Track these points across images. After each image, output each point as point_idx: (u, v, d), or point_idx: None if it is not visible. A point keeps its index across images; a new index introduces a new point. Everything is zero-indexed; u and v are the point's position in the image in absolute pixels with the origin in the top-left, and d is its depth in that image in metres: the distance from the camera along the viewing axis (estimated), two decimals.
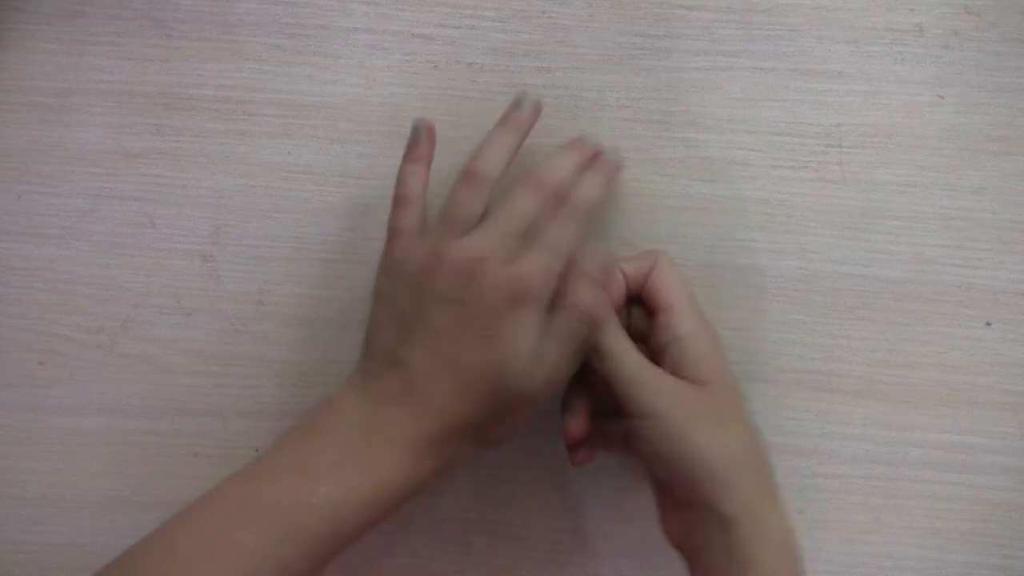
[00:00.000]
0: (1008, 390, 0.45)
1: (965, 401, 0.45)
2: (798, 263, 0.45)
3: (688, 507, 0.37)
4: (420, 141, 0.41)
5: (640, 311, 0.42)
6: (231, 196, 0.46)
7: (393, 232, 0.40)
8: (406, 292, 0.38)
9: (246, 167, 0.46)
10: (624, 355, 0.38)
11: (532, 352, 0.37)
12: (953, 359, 0.45)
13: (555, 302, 0.38)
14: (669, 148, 0.46)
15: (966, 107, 0.45)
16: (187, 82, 0.46)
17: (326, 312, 0.46)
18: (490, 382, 0.37)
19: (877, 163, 0.45)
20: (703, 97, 0.46)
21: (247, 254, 0.46)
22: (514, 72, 0.46)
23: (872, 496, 0.45)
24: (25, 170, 0.46)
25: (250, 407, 0.45)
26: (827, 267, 0.45)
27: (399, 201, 0.40)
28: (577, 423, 0.40)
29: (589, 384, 0.40)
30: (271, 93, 0.46)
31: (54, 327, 0.46)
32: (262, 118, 0.46)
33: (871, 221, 0.45)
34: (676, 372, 0.38)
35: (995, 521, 0.45)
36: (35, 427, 0.46)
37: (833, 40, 0.46)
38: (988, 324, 0.45)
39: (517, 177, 0.40)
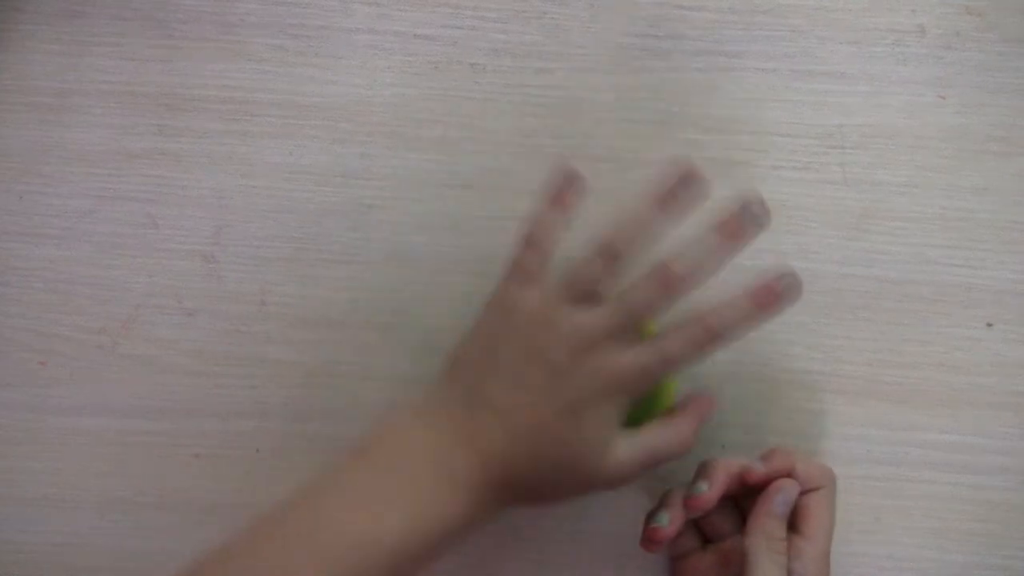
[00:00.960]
0: (1009, 390, 0.45)
1: (966, 401, 0.45)
2: (799, 264, 0.45)
3: None
4: (569, 188, 0.40)
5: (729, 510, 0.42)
6: (233, 196, 0.46)
7: (514, 271, 0.39)
8: (509, 338, 0.37)
9: (248, 167, 0.46)
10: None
11: (607, 443, 0.37)
12: (954, 359, 0.45)
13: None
14: (670, 149, 0.46)
15: (967, 108, 0.45)
16: (188, 83, 0.46)
17: (328, 313, 0.46)
18: (561, 456, 0.36)
19: (878, 164, 0.45)
20: (704, 98, 0.46)
21: (249, 254, 0.46)
22: (515, 73, 0.46)
23: (872, 496, 0.45)
24: (26, 170, 0.46)
25: (251, 408, 0.45)
26: (828, 267, 0.45)
27: (530, 241, 0.39)
28: (666, 531, 0.40)
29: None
30: (273, 93, 0.46)
31: (55, 327, 0.46)
32: (264, 119, 0.46)
33: (872, 222, 0.45)
34: None
35: (995, 521, 0.45)
36: (35, 427, 0.46)
37: (835, 41, 0.46)
38: (989, 325, 0.45)
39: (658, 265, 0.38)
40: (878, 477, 0.45)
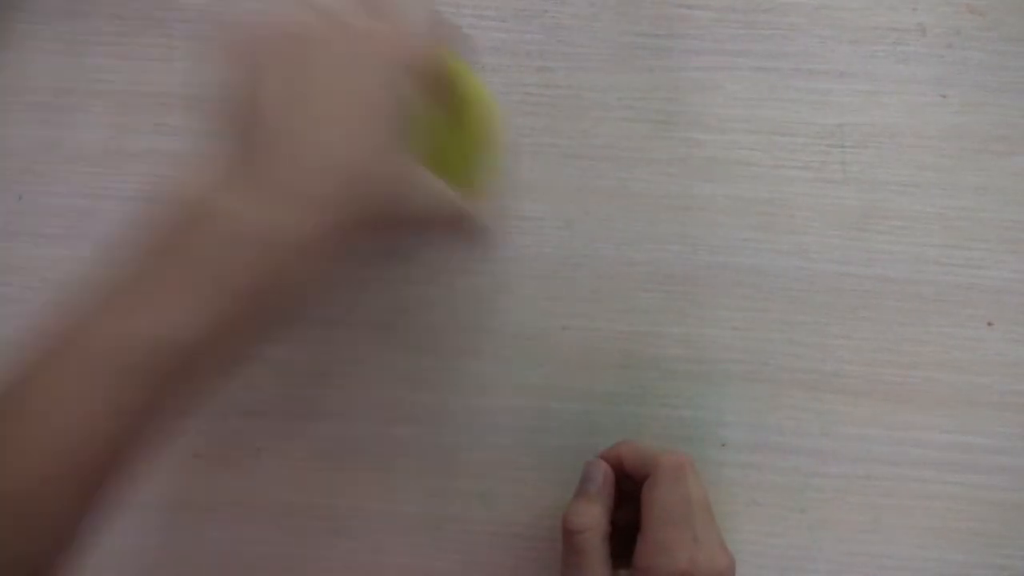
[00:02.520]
0: (1009, 390, 0.45)
1: (966, 401, 0.45)
2: (800, 263, 0.45)
3: None
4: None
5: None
6: None
7: None
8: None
9: None
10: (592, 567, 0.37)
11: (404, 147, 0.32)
12: (954, 359, 0.45)
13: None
14: (671, 148, 0.46)
15: (968, 107, 0.45)
16: (188, 82, 0.46)
17: (327, 311, 0.46)
18: (368, 151, 0.31)
19: (879, 163, 0.45)
20: (705, 97, 0.46)
21: None
22: (516, 71, 0.46)
23: (872, 496, 0.45)
24: (26, 170, 0.46)
25: (251, 407, 0.45)
26: (829, 267, 0.45)
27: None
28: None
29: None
30: None
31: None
32: None
33: (873, 221, 0.45)
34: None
35: (996, 521, 0.45)
36: None
37: (835, 40, 0.45)
38: (990, 324, 0.45)
39: None
40: (878, 477, 0.45)
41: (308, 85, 0.31)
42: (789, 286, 0.45)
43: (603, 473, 0.40)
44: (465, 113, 0.37)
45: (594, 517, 0.38)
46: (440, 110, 0.35)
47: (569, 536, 0.38)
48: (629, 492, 0.40)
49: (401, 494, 0.45)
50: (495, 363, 0.45)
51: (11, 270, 0.46)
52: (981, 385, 0.45)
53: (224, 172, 0.31)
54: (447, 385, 0.45)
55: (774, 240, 0.45)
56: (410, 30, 0.33)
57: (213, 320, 0.29)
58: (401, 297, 0.46)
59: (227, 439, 0.46)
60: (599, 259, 0.45)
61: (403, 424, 0.45)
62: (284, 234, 0.30)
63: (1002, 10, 0.45)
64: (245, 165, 0.31)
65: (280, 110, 0.31)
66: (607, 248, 0.45)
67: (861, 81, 0.45)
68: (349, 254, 0.33)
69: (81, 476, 0.29)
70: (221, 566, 0.45)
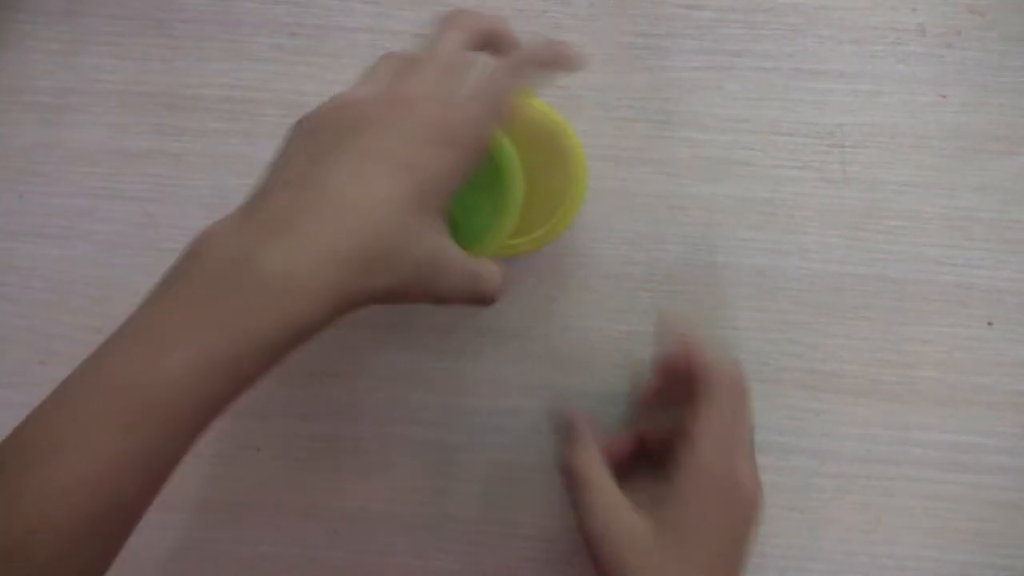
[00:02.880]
0: (1009, 390, 0.45)
1: (966, 401, 0.45)
2: (800, 263, 0.45)
3: None
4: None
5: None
6: (232, 196, 0.45)
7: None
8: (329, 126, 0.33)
9: (248, 167, 0.46)
10: (602, 490, 0.37)
11: (438, 231, 0.33)
12: (954, 359, 0.45)
13: None
14: (671, 148, 0.46)
15: (968, 107, 0.45)
16: (188, 82, 0.46)
17: None
18: (395, 207, 0.31)
19: (879, 163, 0.45)
20: (705, 97, 0.46)
21: None
22: None
23: (873, 496, 0.45)
24: (26, 170, 0.46)
25: (252, 407, 0.45)
26: (829, 267, 0.45)
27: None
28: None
29: None
30: (273, 93, 0.46)
31: (54, 327, 0.46)
32: (264, 118, 0.46)
33: (873, 221, 0.45)
34: (664, 510, 0.36)
35: (995, 521, 0.45)
36: None
37: (835, 40, 0.45)
38: (990, 324, 0.45)
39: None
40: (878, 477, 0.45)
41: (351, 151, 0.32)
42: (789, 286, 0.45)
43: (583, 419, 0.40)
44: (502, 185, 0.38)
45: (584, 449, 0.38)
46: (486, 178, 0.38)
47: (566, 477, 0.38)
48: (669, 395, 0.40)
49: (401, 494, 0.45)
50: (496, 364, 0.45)
51: (11, 270, 0.46)
52: (981, 385, 0.45)
53: (253, 220, 0.31)
54: (448, 385, 0.45)
55: (774, 240, 0.45)
56: (471, 109, 0.34)
57: (229, 366, 0.29)
58: None
59: (228, 439, 0.46)
60: (599, 259, 0.45)
61: (404, 424, 0.45)
62: (301, 283, 0.29)
63: (1002, 10, 0.45)
64: (277, 215, 0.31)
65: (323, 168, 0.31)
66: (607, 248, 0.45)
67: (861, 81, 0.45)
68: None
69: (92, 524, 0.28)
70: (221, 566, 0.45)
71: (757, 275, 0.45)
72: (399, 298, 0.32)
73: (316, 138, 0.33)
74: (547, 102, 0.44)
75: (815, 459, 0.45)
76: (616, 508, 0.36)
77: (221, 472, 0.45)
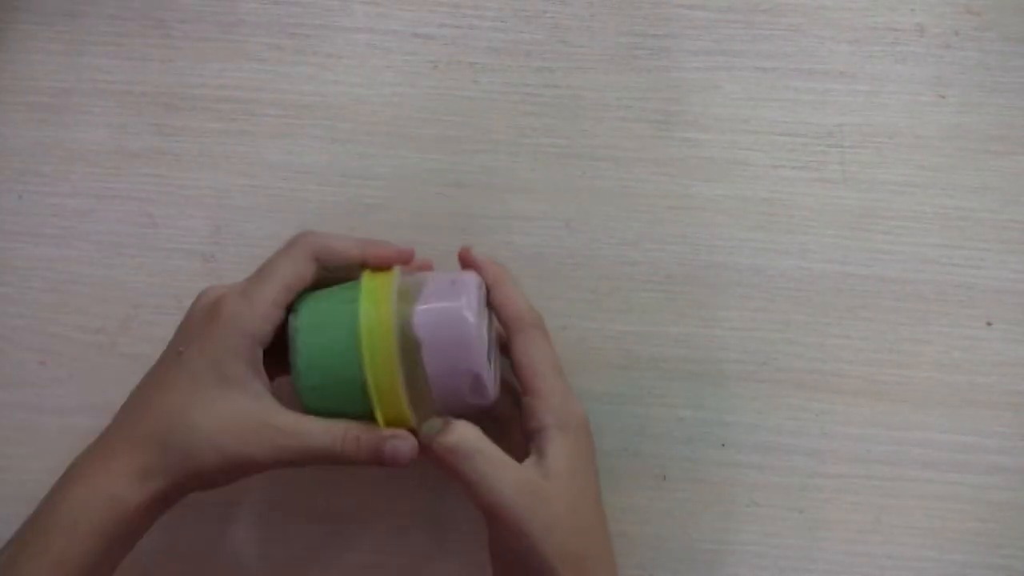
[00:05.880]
0: (1009, 390, 0.45)
1: (965, 401, 0.45)
2: (799, 263, 0.45)
3: None
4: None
5: (506, 397, 0.41)
6: (232, 196, 0.46)
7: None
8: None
9: (247, 167, 0.46)
10: (484, 453, 0.36)
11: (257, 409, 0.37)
12: (954, 359, 0.45)
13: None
14: (670, 148, 0.46)
15: (967, 107, 0.45)
16: (188, 82, 0.46)
17: None
18: (171, 387, 0.37)
19: (878, 163, 0.45)
20: (704, 97, 0.46)
21: (248, 254, 0.46)
22: (515, 72, 0.46)
23: (872, 496, 0.45)
24: (25, 170, 0.46)
25: None
26: (828, 267, 0.45)
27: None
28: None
29: None
30: (272, 93, 0.46)
31: (54, 327, 0.46)
32: (263, 118, 0.46)
33: (872, 221, 0.45)
34: (540, 459, 0.37)
35: (995, 521, 0.45)
36: (35, 427, 0.46)
37: (834, 40, 0.46)
38: (989, 324, 0.45)
39: None
40: (878, 477, 0.45)
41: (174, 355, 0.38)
42: (789, 286, 0.45)
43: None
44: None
45: (456, 425, 0.37)
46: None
47: (448, 455, 0.36)
48: None
49: (401, 494, 0.45)
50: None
51: (11, 270, 0.46)
52: (981, 385, 0.45)
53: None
54: None
55: (773, 240, 0.45)
56: (264, 297, 0.37)
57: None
58: None
59: None
60: (599, 259, 0.45)
61: None
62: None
63: (1000, 10, 0.45)
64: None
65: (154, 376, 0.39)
66: (607, 248, 0.46)
67: (860, 81, 0.46)
68: None
69: None
70: (221, 566, 0.45)
71: (757, 275, 0.45)
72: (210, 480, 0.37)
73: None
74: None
75: (815, 459, 0.45)
76: (505, 466, 0.36)
77: None
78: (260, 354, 0.37)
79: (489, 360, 0.38)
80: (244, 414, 0.36)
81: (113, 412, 0.45)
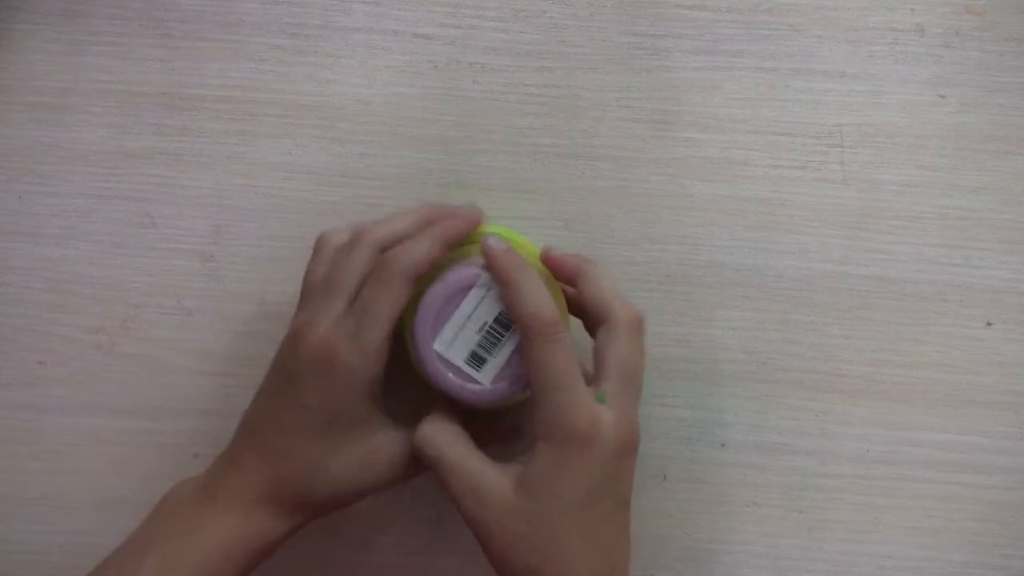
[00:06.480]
0: (1008, 390, 0.45)
1: (965, 401, 0.45)
2: (799, 263, 0.45)
3: None
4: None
5: None
6: (232, 196, 0.46)
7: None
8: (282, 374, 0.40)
9: (247, 167, 0.46)
10: (462, 458, 0.37)
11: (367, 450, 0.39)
12: (954, 359, 0.45)
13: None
14: (670, 148, 0.46)
15: (967, 107, 0.45)
16: (188, 82, 0.46)
17: None
18: (304, 437, 0.38)
19: (878, 163, 0.45)
20: (704, 97, 0.46)
21: (248, 254, 0.46)
22: (515, 72, 0.46)
23: (872, 496, 0.45)
24: (25, 170, 0.46)
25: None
26: (828, 267, 0.45)
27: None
28: None
29: None
30: (272, 93, 0.46)
31: (54, 327, 0.46)
32: (263, 118, 0.46)
33: (872, 221, 0.45)
34: (522, 465, 0.37)
35: (995, 521, 0.45)
36: (35, 427, 0.46)
37: (834, 40, 0.46)
38: (989, 324, 0.45)
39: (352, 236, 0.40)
40: (878, 477, 0.45)
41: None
42: (788, 286, 0.45)
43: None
44: None
45: (435, 422, 0.38)
46: None
47: (425, 460, 0.37)
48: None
49: (400, 494, 0.45)
50: None
51: (11, 270, 0.46)
52: (980, 385, 0.45)
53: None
54: None
55: (773, 240, 0.45)
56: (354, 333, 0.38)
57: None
58: None
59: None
60: (599, 259, 0.45)
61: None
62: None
63: (1000, 10, 0.45)
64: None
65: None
66: (607, 248, 0.46)
67: (860, 81, 0.46)
68: None
69: None
70: None
71: (756, 275, 0.45)
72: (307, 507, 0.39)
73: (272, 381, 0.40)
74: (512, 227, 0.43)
75: (815, 459, 0.45)
76: (473, 474, 0.36)
77: None
78: (379, 388, 0.39)
79: (466, 352, 0.38)
80: (380, 450, 0.38)
81: (113, 412, 0.45)
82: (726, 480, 0.45)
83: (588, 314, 0.39)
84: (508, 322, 0.38)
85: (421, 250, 0.38)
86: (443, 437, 0.37)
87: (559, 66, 0.46)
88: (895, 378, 0.45)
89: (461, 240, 0.40)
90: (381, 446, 0.38)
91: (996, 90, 0.45)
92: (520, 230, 0.44)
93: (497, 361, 0.38)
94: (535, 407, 0.36)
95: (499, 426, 0.43)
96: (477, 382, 0.38)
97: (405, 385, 0.40)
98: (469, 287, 0.38)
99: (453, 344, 0.38)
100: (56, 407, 0.46)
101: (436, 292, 0.38)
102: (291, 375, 0.38)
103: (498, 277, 0.38)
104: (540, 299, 0.37)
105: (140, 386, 0.46)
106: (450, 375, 0.38)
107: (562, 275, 0.40)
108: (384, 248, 0.39)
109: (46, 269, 0.46)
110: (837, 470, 0.45)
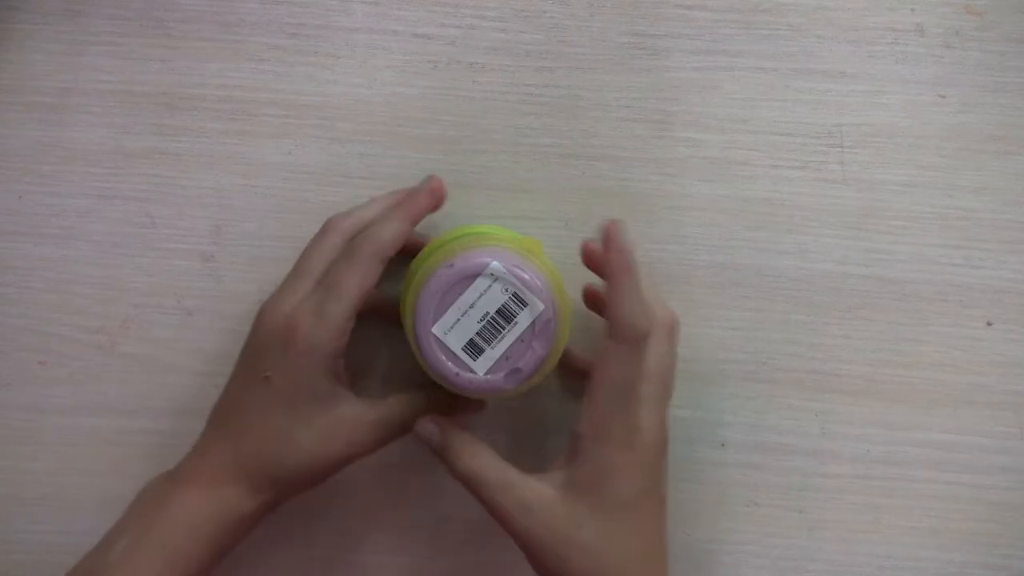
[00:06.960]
0: (1008, 390, 0.45)
1: (965, 401, 0.45)
2: (799, 263, 0.45)
3: None
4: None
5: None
6: (232, 196, 0.46)
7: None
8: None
9: (247, 167, 0.46)
10: (500, 478, 0.37)
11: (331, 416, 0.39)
12: (953, 359, 0.45)
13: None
14: (670, 148, 0.46)
15: (967, 107, 0.45)
16: (188, 82, 0.46)
17: None
18: (266, 412, 0.39)
19: (878, 163, 0.45)
20: (704, 97, 0.46)
21: (248, 254, 0.46)
22: (515, 72, 0.46)
23: (872, 496, 0.45)
24: (25, 170, 0.46)
25: None
26: (828, 267, 0.45)
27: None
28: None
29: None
30: (272, 93, 0.46)
31: (54, 327, 0.46)
32: (263, 118, 0.46)
33: (872, 221, 0.45)
34: (564, 464, 0.37)
35: (995, 521, 0.45)
36: (35, 427, 0.46)
37: (834, 40, 0.46)
38: (989, 324, 0.45)
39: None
40: (878, 477, 0.45)
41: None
42: (788, 286, 0.45)
43: (446, 422, 0.40)
44: None
45: (465, 446, 0.38)
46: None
47: (465, 483, 0.38)
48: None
49: (400, 494, 0.45)
50: None
51: (11, 270, 0.46)
52: (981, 385, 0.45)
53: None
54: None
55: (773, 240, 0.45)
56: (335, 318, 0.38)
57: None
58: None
59: None
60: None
61: None
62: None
63: (1000, 10, 0.45)
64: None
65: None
66: None
67: (860, 81, 0.46)
68: None
69: None
70: (221, 566, 0.45)
71: (756, 275, 0.45)
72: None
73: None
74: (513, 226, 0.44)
75: (815, 459, 0.45)
76: (516, 486, 0.36)
77: None
78: (341, 363, 0.39)
79: (464, 341, 0.38)
80: (342, 422, 0.39)
81: (113, 412, 0.45)
82: (726, 480, 0.45)
83: (622, 328, 0.37)
84: (510, 315, 0.38)
85: (389, 229, 0.39)
86: (484, 458, 0.38)
87: (559, 66, 0.46)
88: (895, 378, 0.45)
89: (426, 213, 0.42)
90: (344, 418, 0.39)
91: (996, 90, 0.45)
92: (520, 230, 0.44)
93: (494, 352, 0.38)
94: (591, 410, 0.36)
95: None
96: (472, 371, 0.38)
97: (403, 377, 0.40)
98: (476, 275, 0.38)
99: (452, 330, 0.38)
100: (56, 407, 0.46)
101: (442, 276, 0.38)
102: (255, 352, 0.39)
103: (610, 272, 0.37)
104: (640, 310, 0.36)
105: (140, 386, 0.46)
106: (445, 359, 0.38)
107: (600, 273, 0.40)
108: (353, 236, 0.40)
109: (46, 269, 0.46)
110: (837, 470, 0.45)
